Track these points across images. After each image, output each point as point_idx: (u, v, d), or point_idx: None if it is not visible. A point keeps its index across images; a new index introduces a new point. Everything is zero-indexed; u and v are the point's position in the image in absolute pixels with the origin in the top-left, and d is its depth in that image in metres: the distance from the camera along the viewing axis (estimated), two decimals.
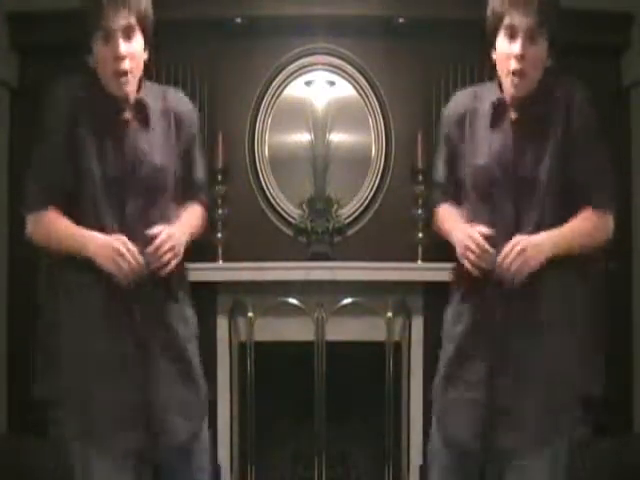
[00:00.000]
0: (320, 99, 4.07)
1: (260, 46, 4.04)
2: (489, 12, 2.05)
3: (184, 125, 2.10)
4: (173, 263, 1.95)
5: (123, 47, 1.89)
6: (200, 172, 2.18)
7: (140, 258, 1.90)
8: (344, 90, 4.07)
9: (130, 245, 1.89)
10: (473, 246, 1.90)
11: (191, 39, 3.95)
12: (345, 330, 3.82)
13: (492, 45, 2.00)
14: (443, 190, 2.17)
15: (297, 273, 3.76)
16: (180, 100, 2.15)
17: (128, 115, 2.01)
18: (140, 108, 2.02)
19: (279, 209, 4.02)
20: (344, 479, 3.99)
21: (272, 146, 4.05)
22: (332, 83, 4.08)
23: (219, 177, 3.88)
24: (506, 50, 1.92)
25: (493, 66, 2.02)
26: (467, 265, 1.92)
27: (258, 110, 4.05)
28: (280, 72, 4.05)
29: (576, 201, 2.00)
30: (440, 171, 2.17)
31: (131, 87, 1.97)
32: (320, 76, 4.08)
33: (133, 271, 1.88)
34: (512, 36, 1.91)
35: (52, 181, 2.00)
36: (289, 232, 4.02)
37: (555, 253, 1.90)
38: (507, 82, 1.95)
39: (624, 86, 4.15)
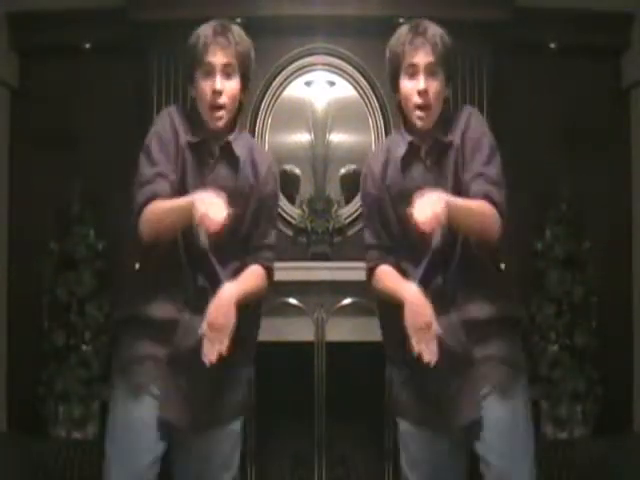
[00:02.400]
0: (320, 99, 4.07)
1: (260, 46, 4.00)
2: (388, 57, 2.14)
3: (260, 183, 2.13)
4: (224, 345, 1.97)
5: (220, 83, 2.02)
6: (265, 234, 2.18)
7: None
8: (344, 90, 4.08)
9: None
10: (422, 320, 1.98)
11: None
12: (345, 330, 3.82)
13: (396, 87, 2.10)
14: (379, 250, 2.19)
15: (297, 273, 3.76)
16: (262, 156, 2.18)
17: (217, 157, 2.09)
18: (230, 154, 2.09)
19: (279, 209, 4.02)
20: (344, 479, 3.99)
21: (272, 146, 4.06)
22: (332, 83, 4.09)
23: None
24: (410, 87, 2.05)
25: (398, 105, 2.13)
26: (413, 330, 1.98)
27: (258, 110, 4.05)
28: (280, 72, 4.06)
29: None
30: (374, 231, 2.19)
31: (224, 122, 2.06)
32: (320, 76, 4.09)
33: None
34: (413, 74, 2.04)
35: (156, 190, 2.06)
36: (289, 232, 4.02)
37: (452, 209, 1.90)
38: (414, 116, 2.07)
39: (624, 86, 4.15)
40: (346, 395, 3.93)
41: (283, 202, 4.02)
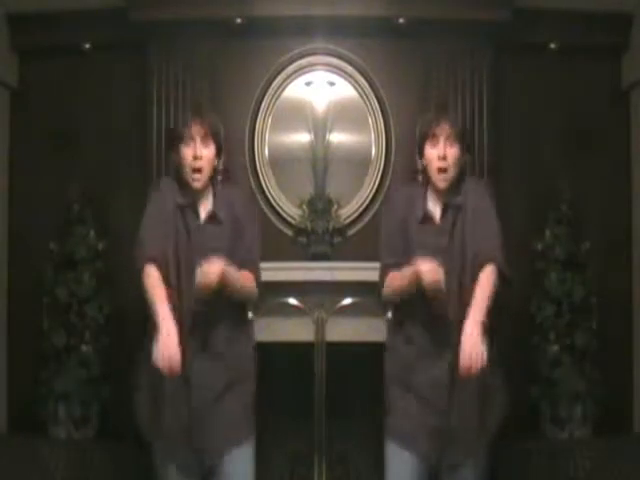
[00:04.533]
0: (320, 99, 4.07)
1: (260, 46, 4.05)
2: (418, 132, 2.61)
3: (240, 216, 2.59)
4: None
5: (199, 150, 2.50)
6: (250, 250, 2.61)
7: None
8: (344, 90, 4.08)
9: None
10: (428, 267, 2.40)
11: (191, 39, 3.96)
12: (345, 330, 3.82)
13: (422, 154, 2.57)
14: (393, 266, 2.57)
15: (297, 273, 3.76)
16: (238, 197, 2.68)
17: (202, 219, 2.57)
18: (212, 217, 2.56)
19: (279, 209, 4.03)
20: (344, 479, 3.99)
21: (272, 146, 4.06)
22: (332, 83, 4.09)
23: (219, 177, 3.87)
24: (433, 153, 2.52)
25: (423, 170, 2.59)
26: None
27: (258, 110, 4.05)
28: (280, 72, 4.06)
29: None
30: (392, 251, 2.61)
31: (202, 182, 2.53)
32: (320, 76, 4.09)
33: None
34: (435, 144, 2.52)
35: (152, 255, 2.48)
36: (289, 232, 4.02)
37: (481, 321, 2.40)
38: (436, 178, 2.53)
39: (624, 86, 4.15)
40: (346, 395, 3.94)
41: (283, 202, 4.02)
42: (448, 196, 2.56)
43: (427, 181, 2.61)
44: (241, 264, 2.54)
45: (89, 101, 4.15)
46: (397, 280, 2.54)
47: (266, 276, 3.60)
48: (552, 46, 4.13)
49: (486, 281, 2.46)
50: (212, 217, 2.55)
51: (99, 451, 3.64)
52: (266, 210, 4.02)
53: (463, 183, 2.59)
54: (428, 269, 2.37)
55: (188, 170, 2.51)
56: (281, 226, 4.03)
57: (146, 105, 4.00)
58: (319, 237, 3.92)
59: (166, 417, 2.52)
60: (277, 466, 4.01)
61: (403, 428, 2.55)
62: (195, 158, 2.49)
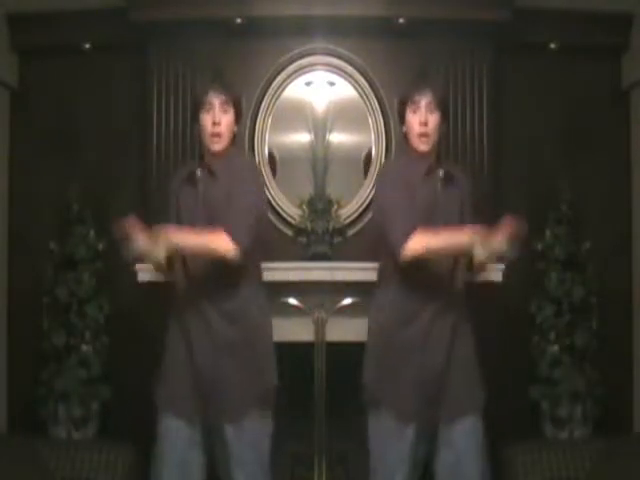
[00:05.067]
0: (320, 99, 4.07)
1: (260, 46, 4.04)
2: (399, 101, 2.79)
3: (240, 180, 2.70)
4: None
5: (218, 116, 2.65)
6: (236, 212, 2.67)
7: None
8: (344, 90, 4.07)
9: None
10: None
11: (191, 39, 3.96)
12: (345, 330, 3.81)
13: (403, 121, 2.74)
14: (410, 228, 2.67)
15: (297, 273, 3.76)
16: (244, 164, 2.85)
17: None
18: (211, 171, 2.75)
19: (279, 209, 4.02)
20: (344, 479, 3.99)
21: (272, 146, 4.06)
22: (332, 83, 4.08)
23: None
24: (414, 119, 2.68)
25: (404, 135, 2.76)
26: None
27: (258, 110, 4.05)
28: (280, 72, 4.05)
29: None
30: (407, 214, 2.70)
31: (221, 145, 2.70)
32: (320, 76, 4.09)
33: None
34: (416, 110, 2.68)
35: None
36: (289, 232, 4.02)
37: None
38: (417, 142, 2.70)
39: (624, 86, 4.15)
40: (346, 395, 3.93)
41: (283, 202, 4.02)
42: (435, 163, 2.72)
43: (406, 147, 2.80)
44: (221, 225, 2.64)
45: (89, 101, 4.14)
46: (433, 239, 2.60)
47: (266, 276, 3.62)
48: (552, 46, 4.12)
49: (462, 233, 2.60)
50: (210, 171, 2.71)
51: (99, 451, 3.64)
52: (266, 210, 4.02)
53: (449, 165, 2.79)
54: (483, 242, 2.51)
55: (208, 136, 2.66)
56: (281, 226, 4.03)
57: (146, 105, 3.99)
58: (319, 237, 3.91)
59: (167, 365, 2.71)
60: (277, 466, 4.00)
61: (380, 392, 2.73)
62: (214, 124, 2.63)
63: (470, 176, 2.94)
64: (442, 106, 2.70)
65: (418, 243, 2.61)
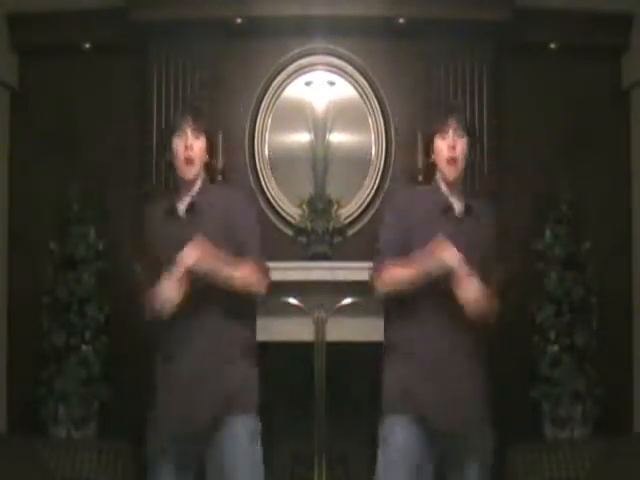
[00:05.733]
0: (320, 99, 4.07)
1: (260, 46, 4.05)
2: (428, 132, 2.73)
3: (236, 221, 2.64)
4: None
5: (190, 141, 2.61)
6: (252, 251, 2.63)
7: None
8: (344, 90, 4.08)
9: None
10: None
11: (191, 39, 3.96)
12: (345, 330, 3.82)
13: (431, 148, 2.68)
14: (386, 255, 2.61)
15: (297, 273, 3.76)
16: (238, 201, 2.74)
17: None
18: (192, 206, 2.63)
19: (279, 209, 4.02)
20: (344, 479, 3.99)
21: (272, 146, 4.06)
22: (332, 83, 4.09)
23: (219, 177, 3.88)
24: (442, 144, 2.63)
25: (433, 165, 2.68)
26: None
27: (258, 110, 4.05)
28: (280, 72, 4.06)
29: None
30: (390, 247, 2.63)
31: (193, 173, 2.61)
32: (320, 76, 4.09)
33: None
34: (444, 136, 2.63)
35: None
36: (289, 232, 4.02)
37: None
38: (446, 169, 2.63)
39: (624, 86, 4.15)
40: (346, 395, 3.93)
41: (283, 202, 4.02)
42: (460, 194, 2.64)
43: (433, 176, 2.70)
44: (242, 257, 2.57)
45: (89, 101, 4.14)
46: (402, 271, 2.54)
47: None
48: (552, 46, 4.12)
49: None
50: (192, 206, 2.60)
51: (99, 451, 3.64)
52: (266, 210, 4.02)
53: (471, 192, 2.77)
54: (448, 251, 2.45)
55: (180, 161, 2.61)
56: (281, 226, 4.03)
57: (146, 105, 4.00)
58: (319, 237, 3.92)
59: (159, 398, 2.58)
60: (277, 466, 4.01)
61: (394, 391, 2.71)
62: (186, 148, 2.59)
63: (491, 206, 2.84)
64: (469, 131, 2.70)
65: (387, 277, 2.59)
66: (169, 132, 2.68)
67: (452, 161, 2.62)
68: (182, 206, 2.61)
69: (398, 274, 2.55)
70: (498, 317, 2.56)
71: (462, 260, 2.46)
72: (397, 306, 2.65)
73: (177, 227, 2.57)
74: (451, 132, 2.62)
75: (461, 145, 2.63)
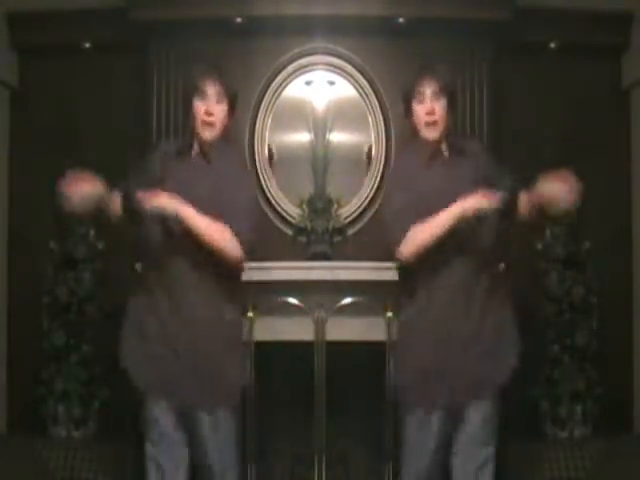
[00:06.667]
0: (320, 99, 4.07)
1: (260, 46, 4.05)
2: (403, 95, 2.74)
3: (238, 173, 2.70)
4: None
5: (212, 106, 2.60)
6: (239, 213, 2.60)
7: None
8: (344, 90, 4.07)
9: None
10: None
11: (191, 39, 3.95)
12: (345, 330, 3.82)
13: (410, 111, 2.70)
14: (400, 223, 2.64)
15: (297, 273, 3.76)
16: (239, 157, 2.94)
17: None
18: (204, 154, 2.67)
19: (279, 209, 4.02)
20: (344, 479, 3.99)
21: (272, 146, 4.05)
22: (332, 83, 4.08)
23: None
24: (420, 109, 2.66)
25: (413, 128, 2.71)
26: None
27: (258, 110, 4.05)
28: (280, 72, 4.05)
29: None
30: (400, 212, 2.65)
31: (212, 134, 2.62)
32: (320, 76, 4.09)
33: None
34: (421, 100, 2.65)
35: None
36: (289, 232, 4.02)
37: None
38: (425, 131, 2.67)
39: (624, 86, 4.15)
40: (346, 395, 3.93)
41: (283, 202, 4.02)
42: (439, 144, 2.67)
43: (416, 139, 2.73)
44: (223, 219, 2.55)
45: (89, 101, 4.14)
46: (427, 230, 2.56)
47: (266, 275, 3.63)
48: (552, 46, 4.13)
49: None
50: (204, 154, 2.64)
51: (99, 451, 3.64)
52: (266, 210, 4.02)
53: (460, 139, 2.76)
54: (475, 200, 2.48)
55: (199, 123, 2.61)
56: (281, 225, 4.03)
57: (146, 105, 3.99)
58: (319, 237, 3.92)
59: (138, 340, 2.65)
60: (277, 466, 4.01)
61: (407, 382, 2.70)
62: (207, 113, 2.58)
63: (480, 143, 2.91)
64: (448, 92, 2.68)
65: (409, 245, 2.60)
66: (190, 89, 2.64)
67: (431, 124, 2.64)
68: (194, 149, 2.65)
69: (419, 237, 2.57)
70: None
71: (486, 196, 2.49)
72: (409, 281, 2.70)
73: (187, 167, 2.60)
74: (428, 96, 2.63)
75: (440, 108, 2.64)
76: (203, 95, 2.59)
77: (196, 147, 2.67)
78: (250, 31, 3.98)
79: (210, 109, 2.58)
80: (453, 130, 2.76)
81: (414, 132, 2.73)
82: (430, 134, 2.65)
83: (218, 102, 2.60)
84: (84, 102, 4.14)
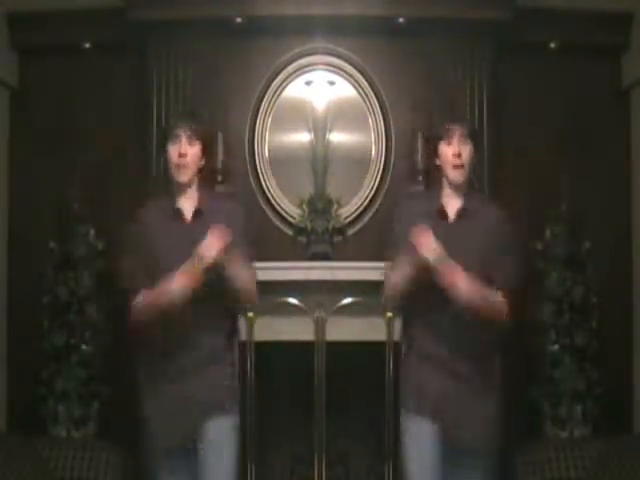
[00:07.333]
0: (320, 99, 4.07)
1: (260, 46, 4.05)
2: (430, 134, 2.85)
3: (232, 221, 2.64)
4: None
5: (184, 148, 2.61)
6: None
7: None
8: (344, 90, 4.08)
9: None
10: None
11: (191, 39, 3.96)
12: (345, 330, 3.82)
13: (436, 153, 2.69)
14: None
15: (297, 273, 3.76)
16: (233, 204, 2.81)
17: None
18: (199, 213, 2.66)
19: (279, 209, 4.02)
20: (344, 479, 3.99)
21: (272, 146, 4.06)
22: (332, 83, 4.08)
23: (219, 177, 3.89)
24: (448, 151, 2.65)
25: (438, 168, 2.70)
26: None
27: (258, 110, 4.05)
28: (280, 72, 4.06)
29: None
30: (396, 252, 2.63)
31: (187, 177, 2.63)
32: (320, 76, 4.09)
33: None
34: (449, 142, 2.65)
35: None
36: (289, 232, 4.02)
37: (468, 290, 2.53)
38: (451, 174, 2.65)
39: (624, 86, 4.15)
40: (346, 394, 3.94)
41: (283, 202, 4.02)
42: (462, 197, 2.67)
43: (439, 180, 2.73)
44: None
45: (89, 101, 4.14)
46: (396, 275, 2.57)
47: (266, 275, 3.62)
48: (552, 46, 4.13)
49: (494, 299, 2.62)
50: (198, 213, 2.64)
51: (99, 451, 3.64)
52: (266, 210, 4.02)
53: (475, 192, 2.77)
54: (424, 242, 2.47)
55: (173, 166, 2.63)
56: (281, 226, 4.03)
57: (146, 105, 3.99)
58: (319, 237, 3.92)
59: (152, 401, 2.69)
60: (277, 466, 4.01)
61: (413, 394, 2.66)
62: (180, 155, 2.60)
63: (497, 207, 2.79)
64: (474, 138, 2.72)
65: (386, 284, 2.65)
66: (164, 136, 2.70)
67: (459, 167, 2.64)
68: (188, 210, 2.63)
69: (392, 279, 2.60)
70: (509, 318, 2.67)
71: (442, 254, 2.47)
72: (410, 306, 2.69)
73: (184, 231, 2.59)
74: (456, 139, 2.64)
75: (466, 152, 2.66)
76: (175, 139, 2.63)
77: (187, 210, 2.64)
78: (250, 31, 3.98)
79: (182, 150, 2.61)
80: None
81: (438, 173, 2.73)
82: (456, 177, 2.65)
83: (191, 144, 2.62)
84: (84, 102, 4.14)
